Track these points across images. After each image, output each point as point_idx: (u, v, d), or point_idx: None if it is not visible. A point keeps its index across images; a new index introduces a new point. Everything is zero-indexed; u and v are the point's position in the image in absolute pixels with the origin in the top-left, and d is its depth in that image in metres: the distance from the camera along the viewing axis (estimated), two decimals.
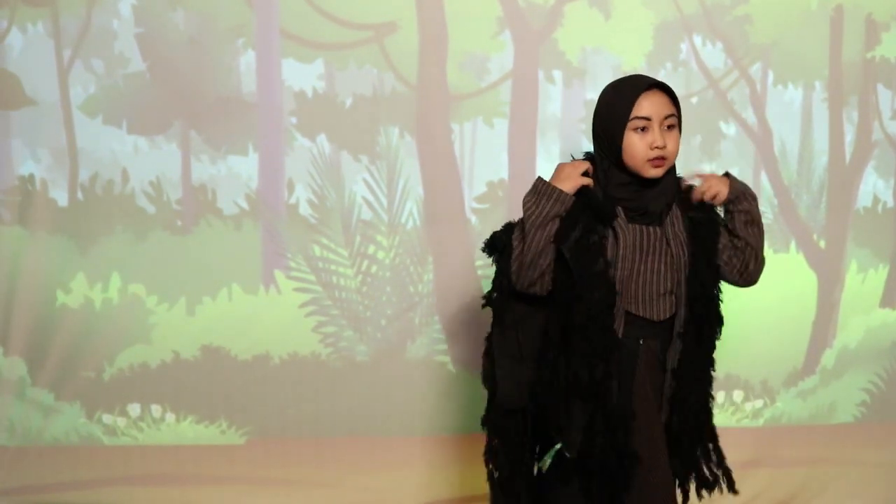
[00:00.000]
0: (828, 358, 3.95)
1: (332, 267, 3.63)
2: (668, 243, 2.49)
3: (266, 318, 3.59)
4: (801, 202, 3.89)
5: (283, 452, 3.63)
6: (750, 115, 3.81)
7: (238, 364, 3.60)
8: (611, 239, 2.44)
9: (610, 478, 2.43)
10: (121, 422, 3.58)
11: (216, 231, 3.57)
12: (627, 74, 2.60)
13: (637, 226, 2.48)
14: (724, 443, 3.82)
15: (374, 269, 3.65)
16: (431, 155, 3.65)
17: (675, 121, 2.49)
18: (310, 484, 3.63)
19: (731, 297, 3.77)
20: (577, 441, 2.44)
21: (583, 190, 2.45)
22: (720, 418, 3.85)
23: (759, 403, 3.92)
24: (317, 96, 3.59)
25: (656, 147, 2.43)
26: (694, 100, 3.76)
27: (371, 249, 3.64)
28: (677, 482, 2.64)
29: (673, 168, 2.55)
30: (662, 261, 2.49)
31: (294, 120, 3.58)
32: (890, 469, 4.00)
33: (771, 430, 3.92)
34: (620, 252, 2.44)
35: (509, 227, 2.55)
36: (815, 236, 3.90)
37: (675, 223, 2.52)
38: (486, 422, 2.65)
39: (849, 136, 3.88)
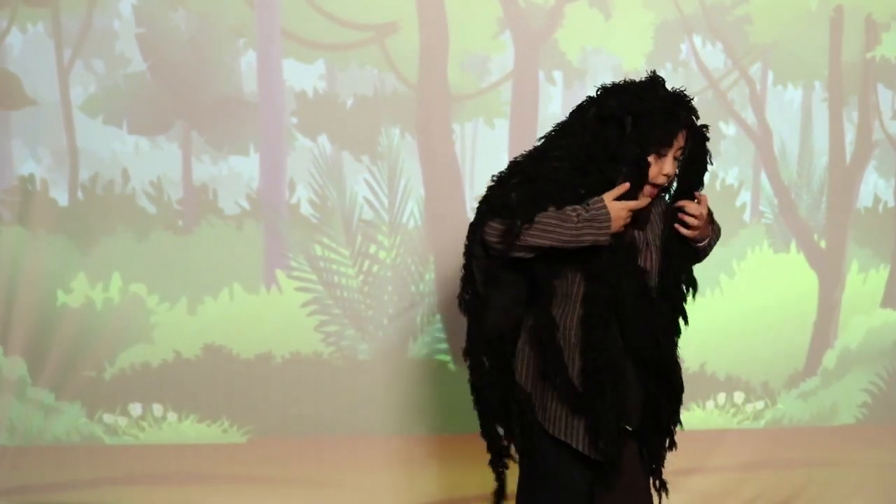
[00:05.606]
0: (829, 359, 3.95)
1: (334, 266, 3.63)
2: (647, 245, 2.52)
3: (268, 317, 3.58)
4: (801, 202, 3.89)
5: (284, 451, 3.62)
6: (750, 115, 3.82)
7: (240, 363, 3.59)
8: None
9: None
10: (122, 421, 3.57)
11: (217, 231, 3.57)
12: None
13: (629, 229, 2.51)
14: (725, 444, 3.86)
15: (375, 268, 3.64)
16: (432, 155, 3.65)
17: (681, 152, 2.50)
18: (311, 483, 3.62)
19: (732, 298, 3.81)
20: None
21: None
22: (721, 420, 3.87)
23: (760, 405, 3.91)
24: (318, 96, 3.59)
25: (665, 175, 2.44)
26: (694, 100, 3.76)
27: (372, 249, 3.64)
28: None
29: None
30: (647, 261, 2.52)
31: (295, 120, 3.58)
32: (892, 470, 4.00)
33: (772, 432, 3.92)
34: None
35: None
36: (815, 236, 3.90)
37: (654, 228, 2.55)
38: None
39: (849, 136, 3.89)
